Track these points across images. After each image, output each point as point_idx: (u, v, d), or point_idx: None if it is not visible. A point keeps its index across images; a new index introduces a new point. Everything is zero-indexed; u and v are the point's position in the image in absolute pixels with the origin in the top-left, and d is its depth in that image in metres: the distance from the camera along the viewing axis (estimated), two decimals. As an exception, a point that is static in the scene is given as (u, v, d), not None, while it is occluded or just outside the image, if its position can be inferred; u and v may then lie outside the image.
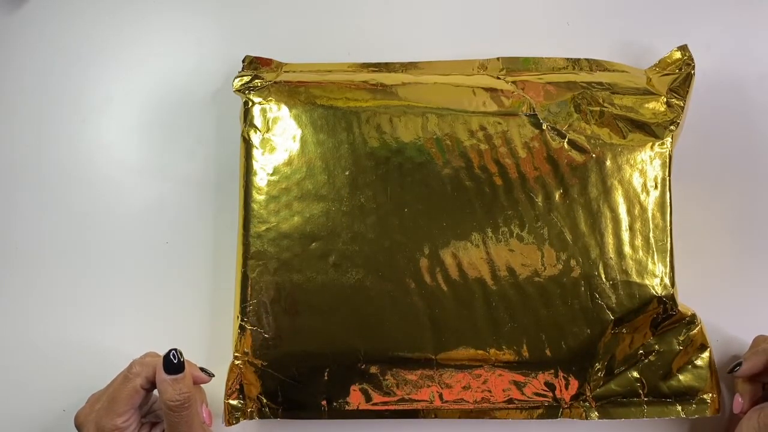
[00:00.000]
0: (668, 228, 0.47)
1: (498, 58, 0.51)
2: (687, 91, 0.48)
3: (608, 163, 0.47)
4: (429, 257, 0.47)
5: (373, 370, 0.46)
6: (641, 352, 0.47)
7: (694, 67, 0.48)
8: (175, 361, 0.41)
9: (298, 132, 0.48)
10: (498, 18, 0.54)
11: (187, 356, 0.42)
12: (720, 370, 0.48)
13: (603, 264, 0.46)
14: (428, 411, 0.47)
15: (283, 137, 0.48)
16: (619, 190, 0.47)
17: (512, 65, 0.51)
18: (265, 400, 0.47)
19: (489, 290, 0.46)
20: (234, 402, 0.47)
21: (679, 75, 0.48)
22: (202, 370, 0.45)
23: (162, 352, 0.42)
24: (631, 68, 0.51)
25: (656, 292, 0.46)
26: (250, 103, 0.48)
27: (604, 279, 0.46)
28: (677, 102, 0.48)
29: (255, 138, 0.48)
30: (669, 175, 0.47)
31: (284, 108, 0.48)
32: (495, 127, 0.47)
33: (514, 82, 0.49)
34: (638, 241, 0.46)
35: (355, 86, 0.48)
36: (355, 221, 0.47)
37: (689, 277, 0.49)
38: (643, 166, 0.47)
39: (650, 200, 0.47)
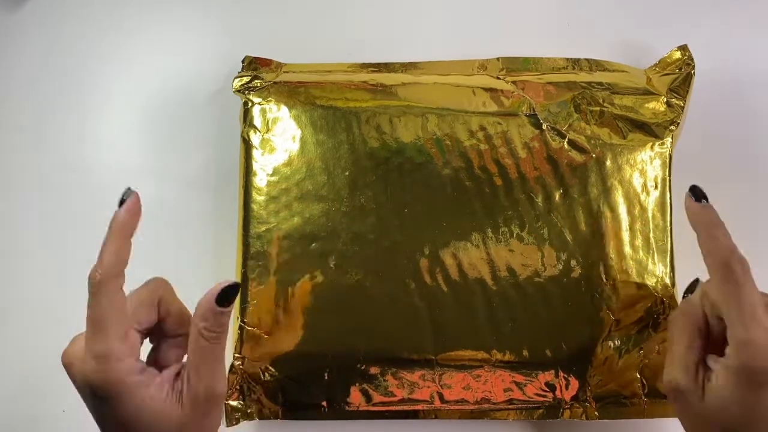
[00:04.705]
0: (668, 228, 0.47)
1: (498, 58, 0.51)
2: (687, 91, 0.48)
3: (608, 163, 0.47)
4: (429, 257, 0.47)
5: (374, 370, 0.46)
6: (641, 351, 0.47)
7: (694, 67, 0.48)
8: (231, 297, 0.36)
9: (298, 132, 0.48)
10: (498, 18, 0.54)
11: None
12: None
13: (603, 264, 0.46)
14: (428, 411, 0.47)
15: (282, 138, 0.48)
16: (619, 190, 0.47)
17: (512, 65, 0.51)
18: (265, 401, 0.47)
19: (489, 290, 0.46)
20: (234, 403, 0.47)
21: (679, 75, 0.48)
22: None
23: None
24: (631, 68, 0.51)
25: (656, 292, 0.46)
26: (250, 104, 0.48)
27: (604, 279, 0.46)
28: (677, 102, 0.48)
29: (255, 138, 0.48)
30: (669, 175, 0.47)
31: (284, 108, 0.48)
32: (495, 127, 0.47)
33: (514, 82, 0.49)
34: (638, 241, 0.46)
35: (355, 86, 0.48)
36: (355, 222, 0.47)
37: (689, 277, 0.48)
38: (643, 166, 0.47)
39: (650, 200, 0.47)
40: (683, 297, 0.43)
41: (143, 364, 0.36)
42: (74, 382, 0.36)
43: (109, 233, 0.36)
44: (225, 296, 0.35)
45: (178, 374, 0.37)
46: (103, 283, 0.35)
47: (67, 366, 0.36)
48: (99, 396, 0.34)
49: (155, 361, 0.39)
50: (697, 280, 0.42)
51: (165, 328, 0.39)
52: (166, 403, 0.35)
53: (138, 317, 0.37)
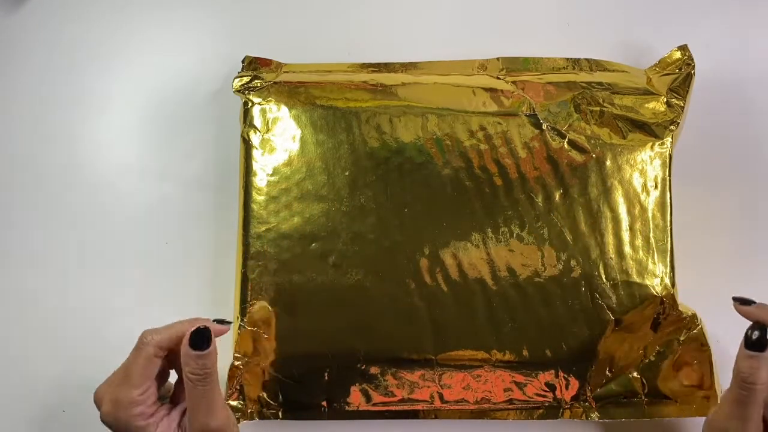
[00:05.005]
0: (668, 228, 0.47)
1: (498, 58, 0.51)
2: (687, 91, 0.48)
3: (608, 163, 0.47)
4: (429, 257, 0.47)
5: (373, 370, 0.46)
6: (641, 352, 0.47)
7: (694, 67, 0.48)
8: (204, 340, 0.39)
9: (298, 132, 0.48)
10: (498, 18, 0.54)
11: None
12: (720, 370, 0.48)
13: (603, 264, 0.46)
14: (428, 411, 0.47)
15: (282, 138, 0.48)
16: (619, 190, 0.47)
17: (512, 65, 0.51)
18: (265, 401, 0.47)
19: (489, 290, 0.46)
20: (234, 403, 0.47)
21: (679, 75, 0.48)
22: (220, 321, 0.42)
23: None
24: (631, 68, 0.51)
25: (656, 292, 0.46)
26: (250, 104, 0.48)
27: (604, 279, 0.46)
28: (677, 102, 0.48)
29: (255, 138, 0.48)
30: (669, 175, 0.47)
31: (284, 108, 0.48)
32: (495, 127, 0.47)
33: (514, 82, 0.49)
34: (638, 241, 0.46)
35: (354, 86, 0.48)
36: (355, 221, 0.47)
37: (689, 277, 0.48)
38: (643, 166, 0.47)
39: (650, 200, 0.47)
40: (751, 346, 0.38)
41: (155, 408, 0.40)
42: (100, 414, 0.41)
43: (187, 321, 0.41)
44: (196, 340, 0.39)
45: (185, 410, 0.41)
46: (149, 346, 0.40)
47: (96, 401, 0.41)
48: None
49: (176, 394, 0.43)
50: (763, 328, 0.38)
51: (175, 368, 0.43)
52: None
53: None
